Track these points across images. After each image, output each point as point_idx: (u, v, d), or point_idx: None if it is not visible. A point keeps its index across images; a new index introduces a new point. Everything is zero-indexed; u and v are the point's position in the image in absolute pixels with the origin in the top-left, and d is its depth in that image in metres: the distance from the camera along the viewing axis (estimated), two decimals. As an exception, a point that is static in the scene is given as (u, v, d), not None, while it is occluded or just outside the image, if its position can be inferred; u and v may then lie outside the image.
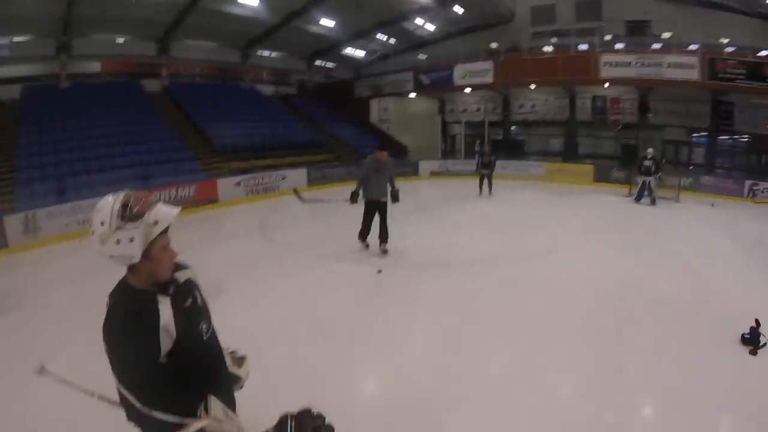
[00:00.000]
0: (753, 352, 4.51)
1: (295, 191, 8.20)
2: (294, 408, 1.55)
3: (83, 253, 8.46)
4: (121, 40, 19.54)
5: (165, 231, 1.60)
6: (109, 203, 1.54)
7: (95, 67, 19.51)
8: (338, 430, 1.59)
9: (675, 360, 4.42)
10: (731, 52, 16.54)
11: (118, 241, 1.51)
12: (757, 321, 4.73)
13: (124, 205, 1.53)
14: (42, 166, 12.54)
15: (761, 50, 16.53)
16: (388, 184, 7.77)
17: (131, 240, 1.51)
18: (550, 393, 3.93)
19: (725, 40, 17.29)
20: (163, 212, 1.59)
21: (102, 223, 1.52)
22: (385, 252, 7.92)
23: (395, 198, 7.84)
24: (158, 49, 20.55)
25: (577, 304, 5.89)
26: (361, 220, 7.96)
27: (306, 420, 1.55)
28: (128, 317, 1.53)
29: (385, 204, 7.80)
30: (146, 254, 1.55)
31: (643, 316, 5.48)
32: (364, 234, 8.02)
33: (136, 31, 19.31)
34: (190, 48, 21.72)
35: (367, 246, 8.07)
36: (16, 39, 16.53)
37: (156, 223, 1.56)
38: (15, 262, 8.77)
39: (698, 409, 3.65)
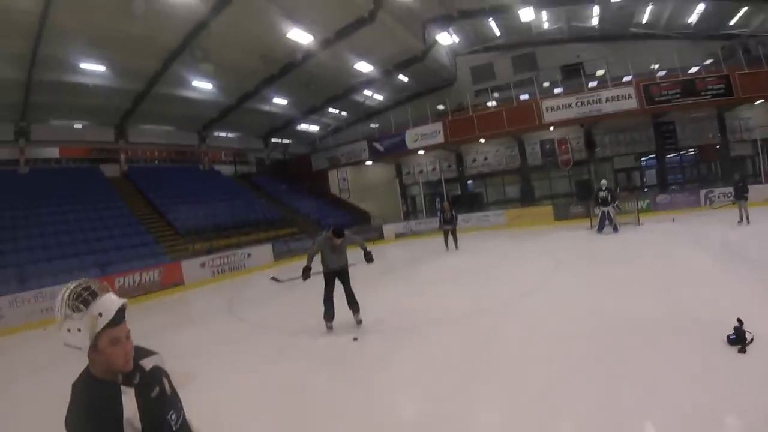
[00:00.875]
0: (742, 350, 4.46)
1: (273, 278, 8.00)
2: None
3: (48, 342, 7.96)
4: (79, 125, 19.68)
5: (116, 323, 1.51)
6: (63, 292, 1.50)
7: (54, 152, 19.50)
8: None
9: (669, 376, 4.28)
10: (663, 76, 17.87)
11: (68, 330, 1.47)
12: (739, 320, 4.73)
13: (74, 295, 1.49)
14: (2, 253, 12.12)
15: (690, 68, 17.97)
16: (347, 256, 7.40)
17: (78, 330, 1.47)
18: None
19: (655, 66, 18.68)
20: (108, 304, 1.51)
21: (57, 311, 1.49)
22: (360, 322, 7.45)
23: (369, 259, 7.43)
24: (116, 134, 20.73)
25: (559, 342, 5.65)
26: (323, 297, 7.37)
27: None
28: (89, 411, 1.44)
29: (345, 272, 7.37)
30: (94, 347, 1.48)
31: (627, 340, 5.34)
32: (329, 313, 7.40)
33: (94, 117, 19.54)
34: (147, 132, 22.00)
35: (331, 328, 7.42)
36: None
37: (100, 315, 1.49)
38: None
39: (700, 416, 3.54)
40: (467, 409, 4.40)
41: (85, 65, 15.22)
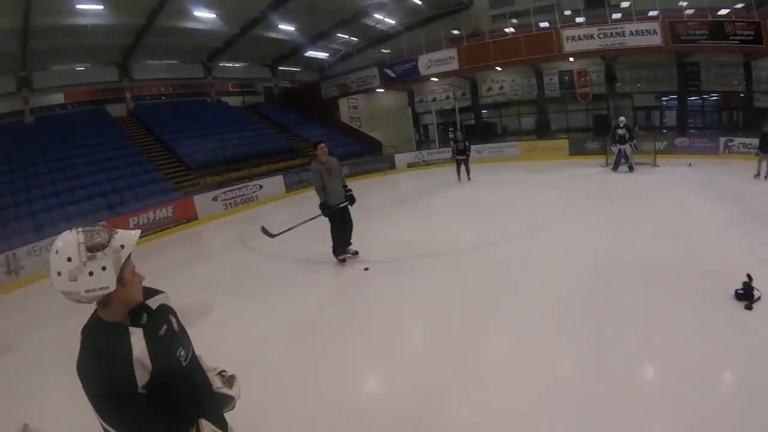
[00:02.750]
0: (748, 307, 4.49)
1: (263, 229, 7.95)
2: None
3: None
4: (81, 68, 19.29)
5: (129, 256, 1.55)
6: (72, 237, 1.46)
7: (59, 98, 19.37)
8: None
9: (672, 324, 4.38)
10: (691, 15, 16.74)
11: (90, 273, 1.44)
12: (748, 276, 4.70)
13: (87, 236, 1.47)
14: (16, 204, 12.28)
15: (720, 9, 16.80)
16: (342, 183, 7.38)
17: (104, 269, 1.46)
18: (550, 371, 3.87)
19: (684, 3, 17.50)
20: (127, 236, 1.56)
21: (69, 260, 1.43)
22: (356, 253, 7.66)
23: (351, 200, 7.38)
24: (120, 73, 20.32)
25: (566, 278, 5.85)
26: (331, 234, 7.44)
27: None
28: (99, 353, 1.48)
29: (346, 207, 7.40)
30: (120, 281, 1.50)
31: (634, 283, 5.44)
32: (339, 247, 7.53)
33: (96, 58, 19.08)
34: (151, 68, 21.54)
35: (344, 260, 7.54)
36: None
37: (122, 247, 1.52)
38: (1, 304, 8.54)
39: (701, 370, 3.60)
40: (473, 338, 4.64)
41: (81, 6, 14.64)
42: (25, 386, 4.82)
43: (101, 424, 1.46)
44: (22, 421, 1.72)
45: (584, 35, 17.60)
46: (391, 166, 20.89)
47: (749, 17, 15.56)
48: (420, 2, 22.44)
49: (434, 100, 25.04)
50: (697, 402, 3.25)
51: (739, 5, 17.30)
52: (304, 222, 7.75)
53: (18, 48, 15.51)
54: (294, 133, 23.14)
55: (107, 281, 1.46)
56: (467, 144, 15.24)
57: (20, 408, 4.28)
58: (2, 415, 4.07)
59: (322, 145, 7.23)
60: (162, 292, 1.81)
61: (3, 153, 14.58)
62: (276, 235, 7.83)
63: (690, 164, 13.95)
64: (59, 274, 1.43)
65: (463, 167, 15.33)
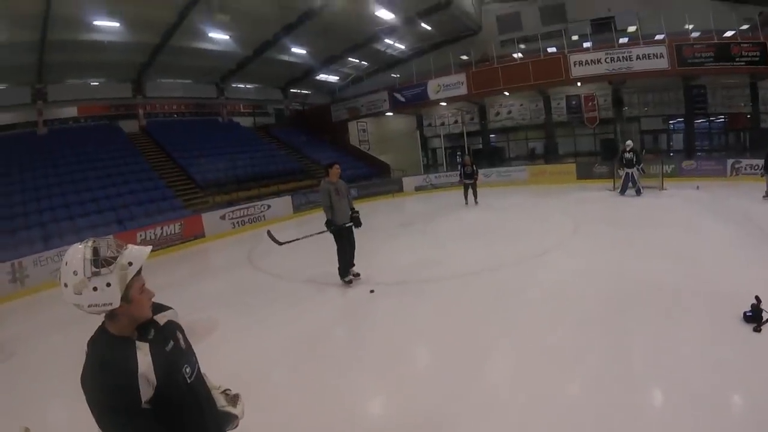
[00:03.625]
0: (757, 329, 4.41)
1: (269, 234, 8.00)
2: None
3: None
4: (96, 83, 19.77)
5: (139, 272, 1.54)
6: (80, 251, 1.47)
7: (72, 111, 19.80)
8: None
9: (680, 346, 4.30)
10: (697, 38, 16.96)
11: (95, 289, 1.44)
12: (757, 298, 4.65)
13: (95, 251, 1.46)
14: (25, 213, 12.41)
15: (725, 32, 16.96)
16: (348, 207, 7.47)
17: (108, 285, 1.45)
18: (557, 395, 3.79)
19: (689, 26, 17.69)
20: (136, 252, 1.54)
21: (75, 273, 1.44)
22: (357, 275, 7.68)
23: (357, 223, 7.47)
24: (134, 89, 20.75)
25: (574, 303, 5.77)
26: (337, 255, 7.47)
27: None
28: (104, 366, 1.47)
29: (351, 228, 7.46)
30: (125, 298, 1.49)
31: (643, 306, 5.36)
32: (346, 268, 7.56)
33: (111, 74, 19.55)
34: (165, 86, 22.01)
35: (350, 281, 7.55)
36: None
37: (130, 264, 1.51)
38: (5, 311, 8.57)
39: (709, 392, 3.53)
40: (481, 362, 4.56)
41: (98, 22, 14.99)
42: (26, 394, 4.82)
43: None
44: (23, 425, 1.71)
45: (591, 60, 17.82)
46: (399, 189, 21.00)
47: (755, 38, 15.74)
48: (430, 28, 22.80)
49: (443, 124, 25.33)
50: (706, 425, 3.18)
51: (745, 26, 17.48)
52: (311, 235, 7.78)
53: (35, 60, 15.90)
54: (304, 155, 23.39)
55: (111, 298, 1.46)
56: (475, 168, 15.31)
57: (21, 415, 4.25)
58: (3, 421, 4.06)
59: (337, 165, 7.38)
60: (170, 308, 1.80)
61: (15, 162, 14.82)
62: (283, 243, 7.85)
63: (698, 187, 13.91)
64: (66, 285, 1.45)
65: (470, 191, 15.36)
